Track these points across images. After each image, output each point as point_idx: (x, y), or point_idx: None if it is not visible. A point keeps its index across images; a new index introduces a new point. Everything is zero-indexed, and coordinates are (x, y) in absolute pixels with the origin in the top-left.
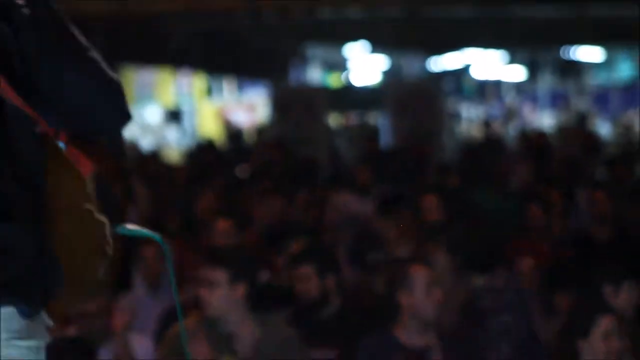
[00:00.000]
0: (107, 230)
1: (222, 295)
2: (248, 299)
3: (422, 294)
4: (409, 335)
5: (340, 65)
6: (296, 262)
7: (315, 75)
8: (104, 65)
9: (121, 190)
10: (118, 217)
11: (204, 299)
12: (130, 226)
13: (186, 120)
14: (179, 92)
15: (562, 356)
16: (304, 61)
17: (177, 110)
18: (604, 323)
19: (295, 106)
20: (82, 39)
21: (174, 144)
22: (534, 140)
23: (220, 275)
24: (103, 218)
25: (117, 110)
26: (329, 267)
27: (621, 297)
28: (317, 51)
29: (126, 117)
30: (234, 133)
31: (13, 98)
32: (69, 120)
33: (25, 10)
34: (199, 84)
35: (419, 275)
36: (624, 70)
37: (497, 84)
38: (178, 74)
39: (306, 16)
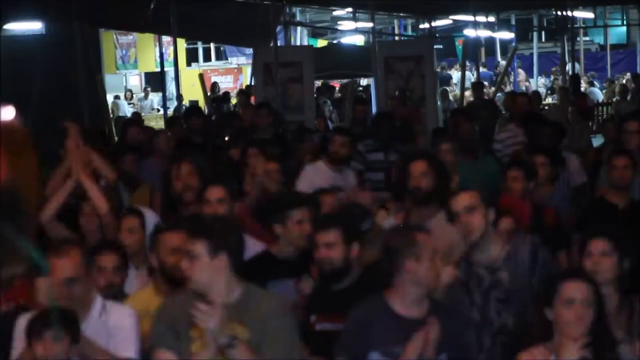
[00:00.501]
0: None
1: (204, 267)
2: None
3: (428, 261)
4: (403, 304)
5: (327, 29)
6: (322, 227)
7: (302, 41)
8: None
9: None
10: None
11: (186, 273)
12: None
13: (169, 85)
14: (161, 58)
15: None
16: (289, 26)
17: (159, 75)
18: (569, 288)
19: (281, 69)
20: None
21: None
22: (520, 103)
23: (199, 246)
24: None
25: None
26: (355, 236)
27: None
28: (302, 16)
29: None
30: (219, 96)
31: None
32: None
33: None
34: (181, 49)
35: (426, 243)
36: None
37: (489, 47)
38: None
39: None
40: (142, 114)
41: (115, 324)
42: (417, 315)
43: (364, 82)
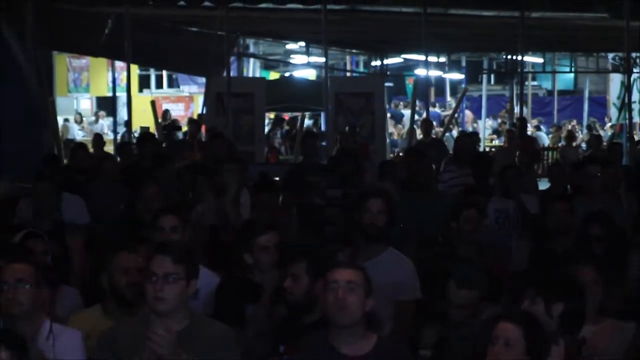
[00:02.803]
0: None
1: (179, 290)
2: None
3: (331, 296)
4: (343, 342)
5: (279, 62)
6: (288, 258)
7: (254, 72)
8: None
9: None
10: None
11: (159, 294)
12: None
13: (120, 110)
14: (114, 82)
15: None
16: (242, 57)
17: (111, 100)
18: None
19: (233, 99)
20: None
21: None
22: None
23: (180, 270)
24: None
25: None
26: (322, 270)
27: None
28: (255, 48)
29: None
30: (170, 124)
31: None
32: None
33: None
34: (133, 75)
35: (339, 277)
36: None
37: (439, 87)
38: (112, 64)
39: (246, 11)
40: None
41: (61, 347)
42: (359, 353)
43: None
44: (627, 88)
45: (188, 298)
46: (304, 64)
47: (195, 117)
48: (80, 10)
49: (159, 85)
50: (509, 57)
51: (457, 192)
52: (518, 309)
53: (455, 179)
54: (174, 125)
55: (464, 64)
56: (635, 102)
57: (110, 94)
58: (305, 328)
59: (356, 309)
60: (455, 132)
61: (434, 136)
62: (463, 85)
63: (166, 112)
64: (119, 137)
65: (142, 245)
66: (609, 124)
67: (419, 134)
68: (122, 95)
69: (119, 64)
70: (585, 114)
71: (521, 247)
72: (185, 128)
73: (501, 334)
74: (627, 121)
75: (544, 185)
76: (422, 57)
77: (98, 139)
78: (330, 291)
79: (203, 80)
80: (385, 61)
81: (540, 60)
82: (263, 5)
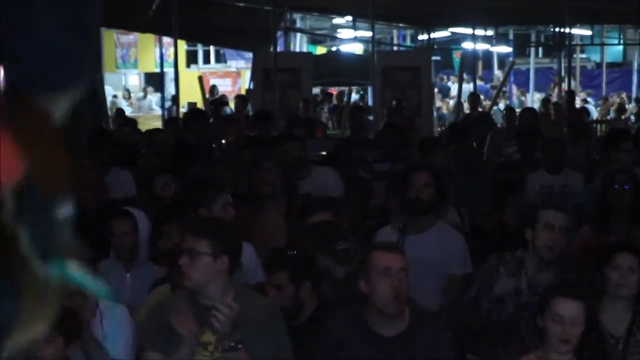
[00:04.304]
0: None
1: (205, 266)
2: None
3: (381, 281)
4: (377, 322)
5: (326, 37)
6: (270, 269)
7: (301, 47)
8: None
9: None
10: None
11: (185, 269)
12: (75, 268)
13: (167, 86)
14: (161, 58)
15: None
16: (289, 32)
17: (159, 76)
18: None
19: (279, 74)
20: None
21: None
22: (518, 117)
23: (204, 245)
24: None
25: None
26: (304, 275)
27: None
28: (302, 23)
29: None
30: (218, 99)
31: None
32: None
33: None
34: (181, 51)
35: (383, 262)
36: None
37: (487, 60)
38: (159, 40)
39: None
40: (140, 114)
41: (108, 323)
42: (395, 333)
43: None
44: None
45: (222, 273)
46: (350, 39)
47: (242, 92)
48: None
49: (207, 60)
50: (557, 29)
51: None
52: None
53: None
54: (222, 100)
55: (511, 37)
56: None
57: (158, 70)
58: (293, 331)
59: (406, 296)
60: (502, 106)
61: (481, 110)
62: (511, 59)
63: (213, 87)
64: (166, 112)
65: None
66: None
67: (466, 108)
68: (169, 71)
69: (167, 40)
70: (634, 87)
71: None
72: (232, 103)
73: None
74: None
75: None
76: (469, 31)
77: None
78: (383, 277)
79: (250, 55)
80: (432, 35)
81: (588, 32)
82: None
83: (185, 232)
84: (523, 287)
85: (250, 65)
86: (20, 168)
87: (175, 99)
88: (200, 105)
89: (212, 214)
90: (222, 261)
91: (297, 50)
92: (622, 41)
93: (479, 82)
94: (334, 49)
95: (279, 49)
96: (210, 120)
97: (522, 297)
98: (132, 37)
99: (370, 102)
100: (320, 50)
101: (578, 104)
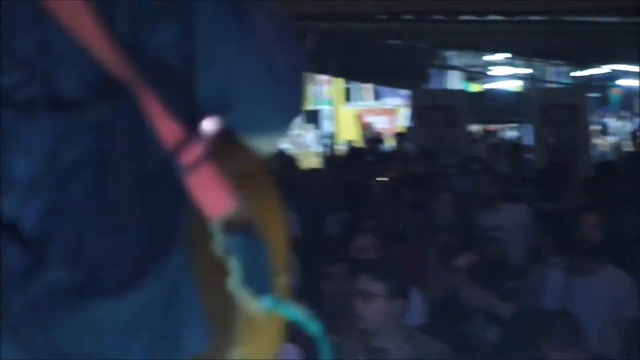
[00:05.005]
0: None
1: (379, 309)
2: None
3: None
4: None
5: (480, 74)
6: None
7: (455, 84)
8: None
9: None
10: (265, 284)
11: (359, 310)
12: (281, 299)
13: (324, 123)
14: (317, 96)
15: None
16: (443, 70)
17: (315, 112)
18: None
19: (435, 111)
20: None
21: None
22: None
23: (377, 287)
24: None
25: (291, 102)
26: None
27: None
28: (457, 60)
29: (297, 110)
30: (373, 137)
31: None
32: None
33: None
34: (338, 88)
35: None
36: None
37: None
38: (317, 78)
39: (446, 24)
40: (297, 151)
41: None
42: None
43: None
44: None
45: (395, 316)
46: (504, 76)
47: (398, 129)
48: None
49: (363, 97)
50: None
51: None
52: None
53: None
54: (379, 138)
55: None
56: None
57: (315, 107)
58: None
59: None
60: None
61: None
62: None
63: (370, 124)
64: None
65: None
66: None
67: (625, 146)
68: (324, 108)
69: (322, 77)
70: None
71: None
72: (389, 140)
73: None
74: None
75: None
76: (628, 68)
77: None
78: None
79: (405, 92)
80: (589, 71)
81: None
82: (464, 17)
83: (359, 273)
84: None
85: (405, 102)
86: (230, 204)
87: (333, 135)
88: (357, 142)
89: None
90: (396, 303)
91: (451, 87)
92: None
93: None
94: (487, 85)
95: (433, 86)
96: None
97: None
98: None
99: (526, 140)
100: (474, 87)
101: None
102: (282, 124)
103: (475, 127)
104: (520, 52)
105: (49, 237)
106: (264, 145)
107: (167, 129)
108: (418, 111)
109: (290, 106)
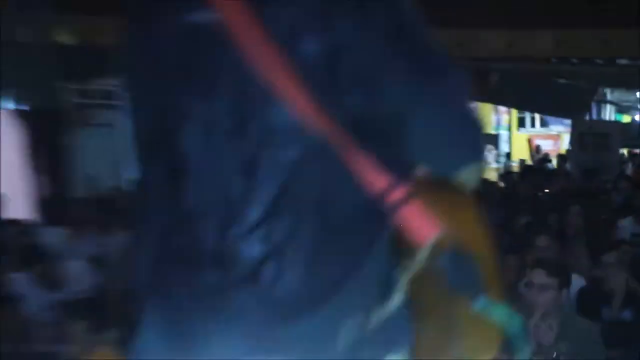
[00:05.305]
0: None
1: (551, 298)
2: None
3: None
4: None
5: (630, 107)
6: None
7: (610, 115)
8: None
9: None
10: (476, 288)
11: (531, 299)
12: (497, 304)
13: (501, 145)
14: (497, 122)
15: None
16: (600, 103)
17: (495, 136)
18: None
19: (593, 137)
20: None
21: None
22: None
23: (550, 280)
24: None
25: (471, 147)
26: None
27: None
28: (611, 95)
29: (479, 156)
30: (541, 157)
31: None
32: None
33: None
34: (513, 117)
35: None
36: None
37: None
38: (497, 108)
39: (606, 65)
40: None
41: None
42: None
43: None
44: None
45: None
46: None
47: (561, 151)
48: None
49: (533, 124)
50: None
51: None
52: None
53: None
54: (546, 158)
55: None
56: None
57: (494, 132)
58: None
59: None
60: None
61: None
62: None
63: (538, 146)
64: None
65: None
66: None
67: None
68: (503, 133)
69: (502, 108)
70: None
71: None
72: (554, 160)
73: None
74: None
75: None
76: None
77: None
78: None
79: (568, 121)
80: None
81: None
82: (619, 61)
83: (534, 266)
84: None
85: (568, 129)
86: (437, 230)
87: (508, 155)
88: (528, 161)
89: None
90: (563, 294)
91: (607, 118)
92: None
93: None
94: (637, 117)
95: (592, 116)
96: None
97: None
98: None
99: None
100: (626, 118)
101: None
102: (471, 165)
103: (624, 151)
104: None
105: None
106: (465, 179)
107: (373, 175)
108: (578, 137)
109: (474, 151)
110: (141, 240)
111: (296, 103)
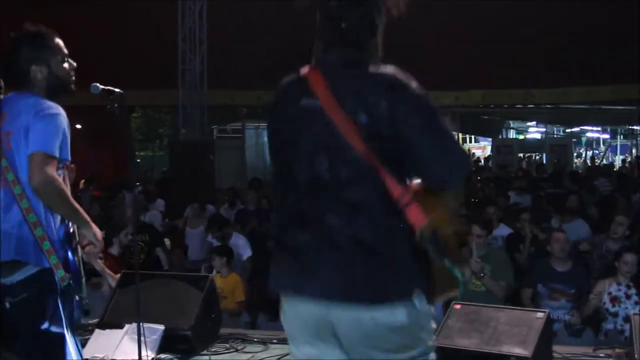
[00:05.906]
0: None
1: (482, 242)
2: None
3: None
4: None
5: (524, 130)
6: None
7: (512, 135)
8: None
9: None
10: (444, 253)
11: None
12: (456, 266)
13: None
14: None
15: None
16: (507, 128)
17: None
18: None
19: (503, 148)
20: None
21: None
22: None
23: (482, 232)
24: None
25: (453, 169)
26: None
27: None
28: (513, 123)
29: (461, 176)
30: (474, 160)
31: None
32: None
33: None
34: (459, 137)
35: None
36: None
37: None
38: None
39: (509, 108)
40: None
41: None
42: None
43: None
44: None
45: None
46: None
47: (486, 156)
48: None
49: (470, 141)
50: None
51: None
52: None
53: None
54: (477, 160)
55: None
56: None
57: None
58: None
59: None
60: None
61: None
62: None
63: (473, 153)
64: None
65: None
66: None
67: None
68: None
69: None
70: None
71: None
72: (482, 161)
73: None
74: None
75: None
76: None
77: None
78: None
79: (490, 138)
80: None
81: None
82: (518, 106)
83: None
84: None
85: (490, 143)
86: (424, 220)
87: None
88: None
89: None
90: (489, 239)
91: (510, 137)
92: None
93: None
94: (528, 136)
95: (503, 136)
96: None
97: None
98: None
99: None
100: (521, 137)
101: None
102: (455, 180)
103: (521, 154)
104: None
105: None
106: (452, 192)
107: (396, 190)
108: (496, 147)
109: (458, 168)
110: (275, 211)
111: (356, 145)
